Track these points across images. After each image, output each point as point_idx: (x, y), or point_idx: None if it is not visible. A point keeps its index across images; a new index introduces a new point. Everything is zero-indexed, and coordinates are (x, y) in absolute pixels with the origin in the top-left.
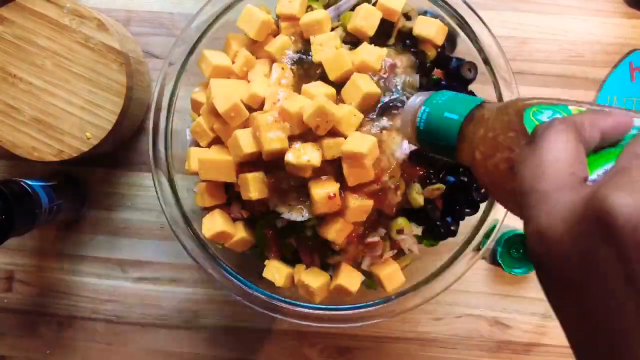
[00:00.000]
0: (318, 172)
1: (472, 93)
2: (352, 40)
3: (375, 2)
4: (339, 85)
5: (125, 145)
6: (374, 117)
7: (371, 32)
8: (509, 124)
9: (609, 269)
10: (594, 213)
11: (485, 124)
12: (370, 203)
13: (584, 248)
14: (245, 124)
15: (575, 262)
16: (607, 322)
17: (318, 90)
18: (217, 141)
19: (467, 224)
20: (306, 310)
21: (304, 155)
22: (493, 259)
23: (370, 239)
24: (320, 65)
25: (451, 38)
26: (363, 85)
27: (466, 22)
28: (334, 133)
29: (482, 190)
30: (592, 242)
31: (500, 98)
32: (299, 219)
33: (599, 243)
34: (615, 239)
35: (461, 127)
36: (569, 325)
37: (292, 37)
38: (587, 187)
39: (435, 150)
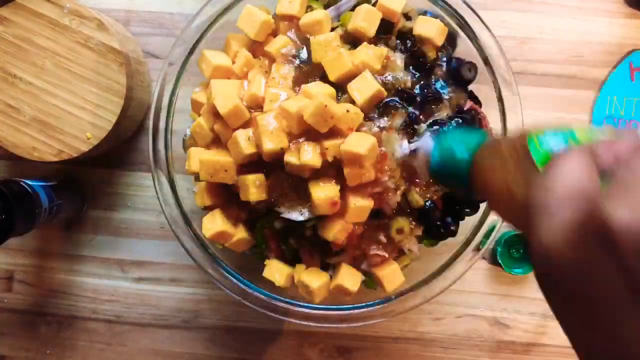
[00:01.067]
0: (318, 173)
1: (472, 93)
2: (352, 40)
3: (376, 2)
4: (338, 85)
5: (125, 145)
6: (374, 117)
7: (371, 32)
8: (517, 156)
9: (611, 279)
10: (594, 224)
11: (493, 161)
12: (370, 204)
13: (585, 259)
14: (245, 124)
15: (576, 273)
16: (613, 332)
17: (318, 89)
18: (217, 141)
19: (467, 224)
20: (306, 310)
21: (304, 155)
22: (493, 259)
23: (377, 252)
24: (320, 65)
25: (451, 38)
26: (374, 81)
27: (466, 22)
28: (334, 133)
29: None
30: (593, 253)
31: (500, 98)
32: (299, 218)
33: (599, 254)
34: (615, 249)
35: (470, 165)
36: (574, 335)
37: (293, 38)
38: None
39: (451, 188)
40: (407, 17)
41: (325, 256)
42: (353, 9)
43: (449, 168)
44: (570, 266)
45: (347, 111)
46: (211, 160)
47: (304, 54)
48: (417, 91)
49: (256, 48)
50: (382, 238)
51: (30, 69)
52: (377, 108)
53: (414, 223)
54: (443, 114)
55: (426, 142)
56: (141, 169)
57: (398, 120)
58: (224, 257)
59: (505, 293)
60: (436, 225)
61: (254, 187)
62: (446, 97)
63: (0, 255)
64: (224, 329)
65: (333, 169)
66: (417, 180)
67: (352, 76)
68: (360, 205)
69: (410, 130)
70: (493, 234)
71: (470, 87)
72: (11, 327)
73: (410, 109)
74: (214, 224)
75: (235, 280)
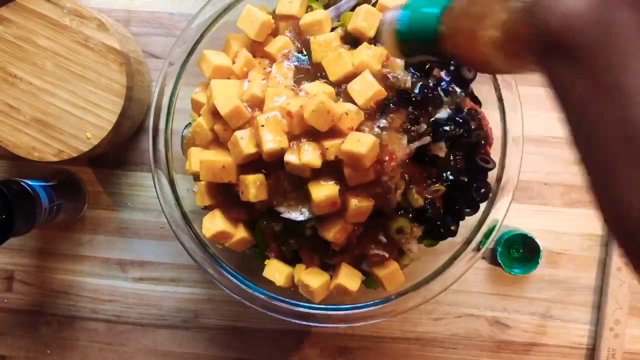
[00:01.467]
0: (318, 172)
1: (472, 93)
2: (352, 41)
3: (376, 2)
4: (338, 85)
5: (125, 145)
6: (374, 117)
7: (371, 32)
8: None
9: (632, 30)
10: None
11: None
12: (370, 204)
13: (606, 15)
14: (245, 124)
15: (597, 29)
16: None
17: (318, 89)
18: (217, 141)
19: (467, 224)
20: (306, 310)
21: (304, 155)
22: (493, 259)
23: (377, 252)
24: (320, 65)
25: None
26: (374, 82)
27: None
28: (334, 133)
29: (482, 190)
30: (614, 9)
31: (500, 98)
32: (299, 218)
33: (621, 8)
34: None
35: (440, 20)
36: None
37: (292, 37)
38: None
39: (416, 48)
40: None
41: (325, 256)
42: (353, 9)
43: (417, 25)
44: (589, 25)
45: (347, 111)
46: (211, 160)
47: (304, 54)
48: (417, 91)
49: (256, 48)
50: (382, 238)
51: (30, 69)
52: (377, 108)
53: (414, 223)
54: (443, 114)
55: (392, 13)
56: (141, 169)
57: (398, 120)
58: (224, 257)
59: (505, 293)
60: (436, 225)
61: (254, 187)
62: (446, 97)
63: (0, 255)
64: (224, 329)
65: (333, 169)
66: (417, 179)
67: (352, 76)
68: (361, 205)
69: (410, 130)
70: (493, 234)
71: (470, 87)
72: (11, 327)
73: (410, 108)
74: (214, 224)
75: (235, 280)
